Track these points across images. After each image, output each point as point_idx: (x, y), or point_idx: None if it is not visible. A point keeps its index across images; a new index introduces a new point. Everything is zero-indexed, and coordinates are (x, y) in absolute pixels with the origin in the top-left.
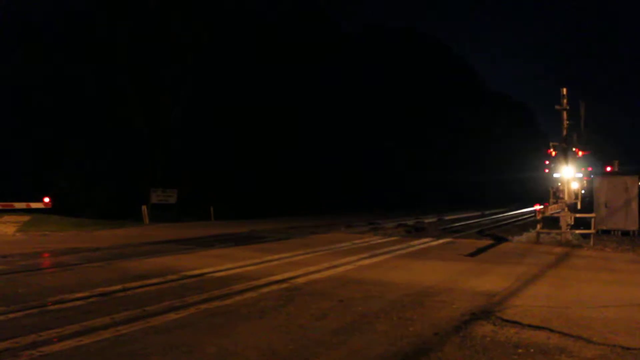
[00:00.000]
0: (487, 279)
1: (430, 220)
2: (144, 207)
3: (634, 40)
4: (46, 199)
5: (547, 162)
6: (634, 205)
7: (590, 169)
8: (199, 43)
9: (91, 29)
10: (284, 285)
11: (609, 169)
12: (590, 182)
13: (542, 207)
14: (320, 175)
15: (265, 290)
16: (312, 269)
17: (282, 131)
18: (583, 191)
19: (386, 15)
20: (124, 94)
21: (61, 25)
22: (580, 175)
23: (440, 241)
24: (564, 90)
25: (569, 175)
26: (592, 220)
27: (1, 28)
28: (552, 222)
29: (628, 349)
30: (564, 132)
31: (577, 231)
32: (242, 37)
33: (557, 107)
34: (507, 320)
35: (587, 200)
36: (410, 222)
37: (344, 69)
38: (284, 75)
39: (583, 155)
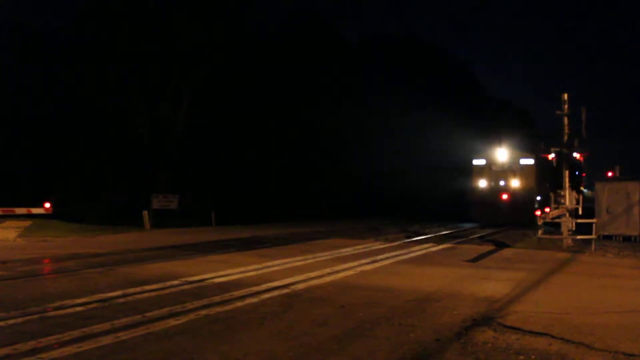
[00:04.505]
0: (489, 285)
1: (431, 225)
2: (145, 213)
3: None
4: (47, 205)
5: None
6: (636, 210)
7: (584, 174)
8: (200, 45)
9: (94, 33)
10: (285, 291)
11: (610, 174)
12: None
13: (543, 212)
14: (319, 176)
15: (266, 296)
16: (313, 274)
17: (281, 131)
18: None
19: (387, 20)
20: (127, 99)
21: (63, 29)
22: (532, 161)
23: (442, 247)
24: (565, 96)
25: (503, 158)
26: (594, 225)
27: (3, 33)
28: (553, 228)
29: (630, 355)
30: (565, 137)
31: (579, 236)
32: (242, 39)
33: (558, 112)
34: (508, 327)
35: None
36: (412, 228)
37: (342, 71)
38: (283, 76)
39: (584, 159)
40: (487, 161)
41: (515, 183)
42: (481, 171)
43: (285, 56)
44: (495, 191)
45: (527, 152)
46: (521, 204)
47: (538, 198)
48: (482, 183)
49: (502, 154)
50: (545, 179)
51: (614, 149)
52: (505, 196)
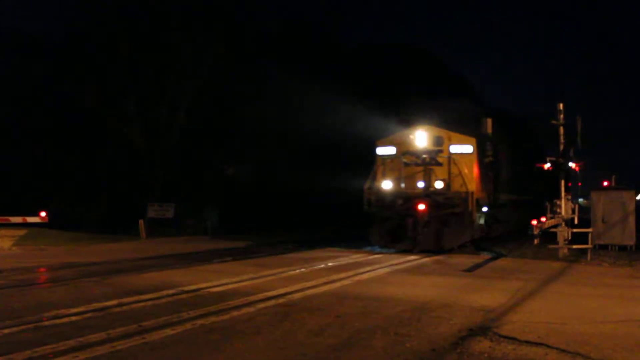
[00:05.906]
0: (485, 295)
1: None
2: (140, 222)
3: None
4: (42, 213)
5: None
6: (631, 220)
7: (580, 184)
8: (199, 49)
9: (90, 41)
10: (281, 300)
11: (606, 183)
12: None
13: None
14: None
15: (261, 305)
16: (309, 284)
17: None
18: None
19: (384, 29)
20: (123, 106)
21: (59, 38)
22: (472, 148)
23: (437, 256)
24: (561, 106)
25: (423, 143)
26: (590, 235)
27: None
28: (549, 237)
29: None
30: (561, 147)
31: (575, 246)
32: (239, 40)
33: (553, 121)
34: (504, 337)
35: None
36: None
37: (339, 77)
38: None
39: (579, 168)
40: (397, 149)
41: (439, 184)
42: (388, 165)
43: (282, 58)
44: (408, 197)
45: (464, 132)
46: (450, 218)
47: (485, 209)
48: (387, 184)
49: (420, 137)
50: (498, 177)
51: (613, 154)
52: (422, 206)
